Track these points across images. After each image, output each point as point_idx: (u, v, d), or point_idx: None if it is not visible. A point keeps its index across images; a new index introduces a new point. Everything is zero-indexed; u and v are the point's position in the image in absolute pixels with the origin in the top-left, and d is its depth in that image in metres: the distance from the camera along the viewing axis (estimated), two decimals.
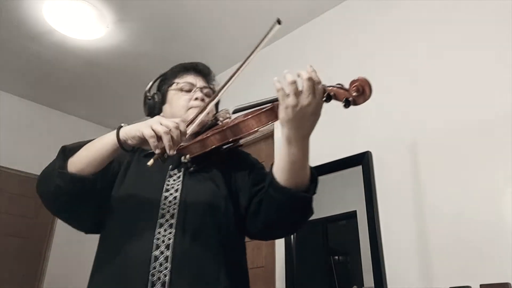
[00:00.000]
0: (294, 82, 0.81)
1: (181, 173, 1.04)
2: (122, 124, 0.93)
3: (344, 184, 1.97)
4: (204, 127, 1.09)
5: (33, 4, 2.45)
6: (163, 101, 1.17)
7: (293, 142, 0.86)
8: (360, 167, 1.89)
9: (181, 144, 1.04)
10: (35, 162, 3.47)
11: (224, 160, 1.08)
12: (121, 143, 0.89)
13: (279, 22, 0.90)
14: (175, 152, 0.85)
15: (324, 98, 0.84)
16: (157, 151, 0.84)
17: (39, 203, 0.99)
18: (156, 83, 1.23)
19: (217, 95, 1.00)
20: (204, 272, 0.91)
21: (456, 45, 1.78)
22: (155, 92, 1.20)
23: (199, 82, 1.16)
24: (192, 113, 1.05)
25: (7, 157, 3.24)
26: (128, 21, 2.61)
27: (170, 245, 0.91)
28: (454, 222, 1.55)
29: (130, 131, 0.89)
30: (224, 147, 1.04)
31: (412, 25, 1.99)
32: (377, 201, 1.79)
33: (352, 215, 1.86)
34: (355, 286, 1.74)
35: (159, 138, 0.84)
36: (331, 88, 0.85)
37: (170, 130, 0.84)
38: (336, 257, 1.93)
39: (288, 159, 0.88)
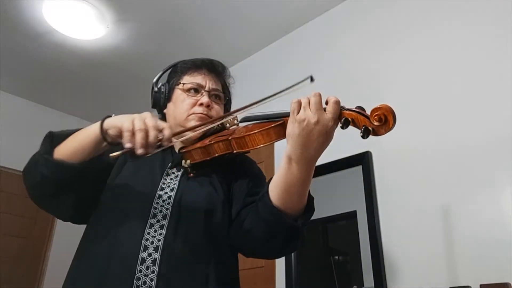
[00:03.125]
0: (308, 98, 0.77)
1: (179, 173, 0.99)
2: (113, 115, 0.87)
3: (344, 184, 1.98)
4: (209, 132, 1.05)
5: (33, 4, 2.45)
6: (169, 97, 1.10)
7: (294, 161, 0.80)
8: (360, 167, 1.89)
9: (184, 147, 1.01)
10: None
11: (226, 166, 1.03)
12: (103, 132, 0.84)
13: (311, 79, 0.85)
14: (144, 153, 0.79)
15: (341, 125, 0.76)
16: (127, 145, 0.79)
17: None
18: (167, 73, 1.14)
19: (215, 121, 0.98)
20: (192, 279, 0.86)
21: (456, 45, 1.78)
22: (163, 83, 1.11)
23: (208, 83, 1.08)
24: (192, 120, 1.03)
25: (7, 157, 3.23)
26: (128, 21, 2.61)
27: (159, 247, 0.85)
28: (454, 222, 1.55)
29: (112, 121, 0.84)
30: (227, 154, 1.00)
31: (413, 27, 1.99)
32: (377, 201, 1.79)
33: (352, 215, 1.86)
34: (355, 286, 1.74)
35: (133, 133, 0.78)
36: (350, 112, 0.77)
37: (147, 129, 0.78)
38: (336, 257, 1.93)
39: (285, 178, 0.82)
